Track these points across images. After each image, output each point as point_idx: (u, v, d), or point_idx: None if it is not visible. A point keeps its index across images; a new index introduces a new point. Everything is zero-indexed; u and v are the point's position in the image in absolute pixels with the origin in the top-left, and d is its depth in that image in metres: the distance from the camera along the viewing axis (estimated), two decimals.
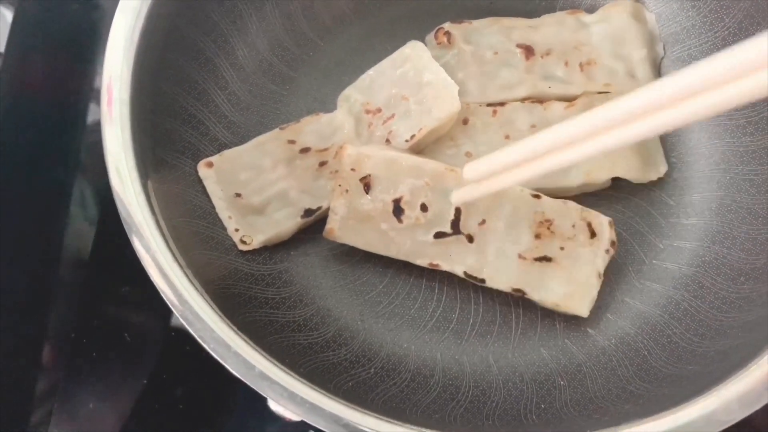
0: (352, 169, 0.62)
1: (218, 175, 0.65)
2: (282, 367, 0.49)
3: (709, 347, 0.58)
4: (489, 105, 0.70)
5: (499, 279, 0.62)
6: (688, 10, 0.72)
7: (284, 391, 0.47)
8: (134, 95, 0.57)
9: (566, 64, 0.71)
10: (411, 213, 0.62)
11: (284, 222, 0.65)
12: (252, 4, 0.71)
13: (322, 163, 0.67)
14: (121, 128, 0.55)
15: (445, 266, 0.62)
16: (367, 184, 0.62)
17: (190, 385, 0.67)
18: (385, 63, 0.69)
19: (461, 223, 0.63)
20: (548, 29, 0.73)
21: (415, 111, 0.66)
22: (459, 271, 0.62)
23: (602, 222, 0.64)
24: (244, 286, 0.62)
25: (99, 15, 0.82)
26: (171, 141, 0.62)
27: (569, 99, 0.70)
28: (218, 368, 0.49)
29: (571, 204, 0.64)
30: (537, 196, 0.64)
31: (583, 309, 0.62)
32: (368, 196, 0.62)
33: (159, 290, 0.50)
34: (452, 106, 0.65)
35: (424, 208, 0.62)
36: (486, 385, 0.62)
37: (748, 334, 0.55)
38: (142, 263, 0.50)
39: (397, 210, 0.62)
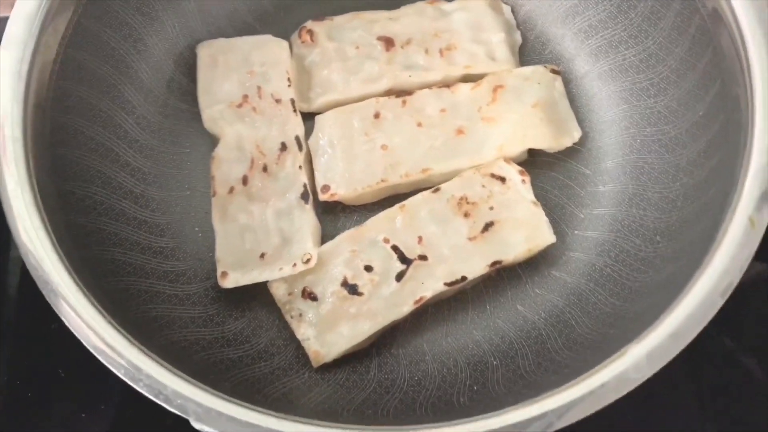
0: (290, 294, 0.63)
1: (238, 267, 0.63)
2: (200, 384, 0.49)
3: (629, 309, 0.58)
4: (397, 96, 0.70)
5: (472, 267, 0.63)
6: None
7: (198, 407, 0.47)
8: (28, 131, 0.56)
9: (426, 51, 0.72)
10: (363, 281, 0.63)
11: (306, 219, 0.65)
12: (151, 27, 0.71)
13: (264, 168, 0.68)
14: (15, 166, 0.54)
15: (428, 294, 0.62)
16: (310, 294, 0.62)
17: (130, 412, 0.66)
18: (201, 73, 0.71)
19: (406, 253, 0.63)
20: (408, 19, 0.74)
21: (265, 71, 0.71)
22: (439, 288, 0.62)
23: (500, 165, 0.67)
24: (167, 308, 0.61)
25: None
26: (77, 172, 0.61)
27: (430, 85, 0.71)
28: None
29: (465, 173, 0.67)
30: (436, 190, 0.66)
31: (546, 237, 0.64)
32: (320, 302, 0.62)
33: (65, 322, 0.49)
34: (282, 45, 0.72)
35: (368, 269, 0.63)
36: (421, 375, 0.62)
37: (660, 292, 0.55)
38: (45, 296, 0.50)
39: (352, 289, 0.62)
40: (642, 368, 0.46)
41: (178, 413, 0.47)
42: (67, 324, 0.49)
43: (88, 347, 0.48)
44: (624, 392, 0.46)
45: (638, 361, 0.47)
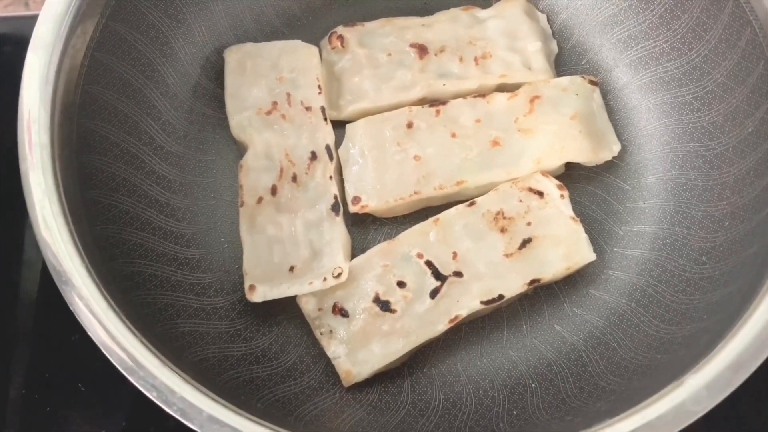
0: (319, 309, 0.60)
1: (266, 280, 0.61)
2: (233, 407, 0.46)
3: (676, 333, 0.56)
4: (431, 105, 0.68)
5: (509, 285, 0.60)
6: None
7: None
8: (55, 137, 0.54)
9: (461, 59, 0.70)
10: (396, 297, 0.60)
11: (337, 231, 0.63)
12: (178, 30, 0.69)
13: (294, 178, 0.65)
14: (42, 173, 0.52)
15: (463, 312, 0.59)
16: (341, 310, 0.60)
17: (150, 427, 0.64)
18: (229, 79, 0.69)
19: (441, 269, 0.61)
20: (442, 26, 0.72)
21: (295, 78, 0.69)
22: (475, 306, 0.60)
23: (537, 179, 0.65)
24: (194, 323, 0.59)
25: None
26: (102, 180, 0.59)
27: (465, 94, 0.68)
28: None
29: (502, 186, 0.64)
30: (471, 203, 0.64)
31: (586, 255, 0.62)
32: (351, 318, 0.60)
33: (94, 340, 0.47)
34: (312, 51, 0.70)
35: (401, 285, 0.61)
36: (456, 396, 0.60)
37: (712, 317, 0.53)
38: (74, 312, 0.47)
39: (384, 305, 0.60)
40: (702, 400, 0.44)
41: None
42: (96, 343, 0.47)
43: (120, 368, 0.46)
44: (683, 426, 0.44)
45: (697, 392, 0.44)
